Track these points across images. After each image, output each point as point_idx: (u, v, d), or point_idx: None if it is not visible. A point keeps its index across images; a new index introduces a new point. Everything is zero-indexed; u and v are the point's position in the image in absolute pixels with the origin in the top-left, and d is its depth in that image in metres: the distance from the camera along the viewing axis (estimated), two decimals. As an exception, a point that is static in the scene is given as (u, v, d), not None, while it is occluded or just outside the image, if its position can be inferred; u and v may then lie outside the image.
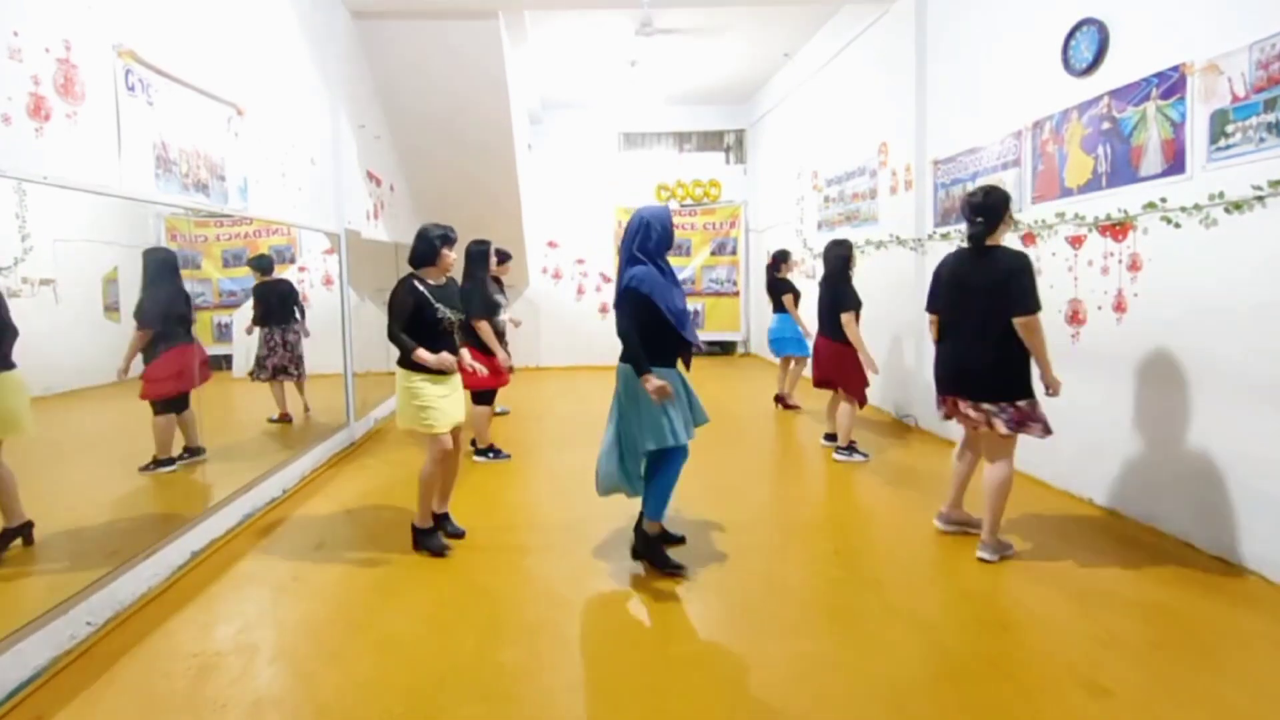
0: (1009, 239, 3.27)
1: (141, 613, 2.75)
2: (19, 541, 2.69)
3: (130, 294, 3.59)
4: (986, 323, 3.00)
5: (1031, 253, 4.24)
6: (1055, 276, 4.04)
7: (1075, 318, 3.89)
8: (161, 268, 3.65)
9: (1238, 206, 2.94)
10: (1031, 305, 2.92)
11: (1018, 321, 2.92)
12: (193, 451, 3.79)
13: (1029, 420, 3.01)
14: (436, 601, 2.81)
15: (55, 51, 2.55)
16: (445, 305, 3.20)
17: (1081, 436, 3.84)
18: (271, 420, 5.34)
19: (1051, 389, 3.06)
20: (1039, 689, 2.15)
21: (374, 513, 3.88)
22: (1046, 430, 3.03)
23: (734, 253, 10.47)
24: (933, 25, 5.36)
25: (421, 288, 3.18)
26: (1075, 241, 3.88)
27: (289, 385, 5.42)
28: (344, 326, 5.47)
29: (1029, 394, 3.02)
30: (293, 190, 4.60)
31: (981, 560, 3.04)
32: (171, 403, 3.73)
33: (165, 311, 3.66)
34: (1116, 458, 3.60)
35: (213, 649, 2.47)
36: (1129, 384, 3.52)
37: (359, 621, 2.66)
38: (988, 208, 3.00)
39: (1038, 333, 2.96)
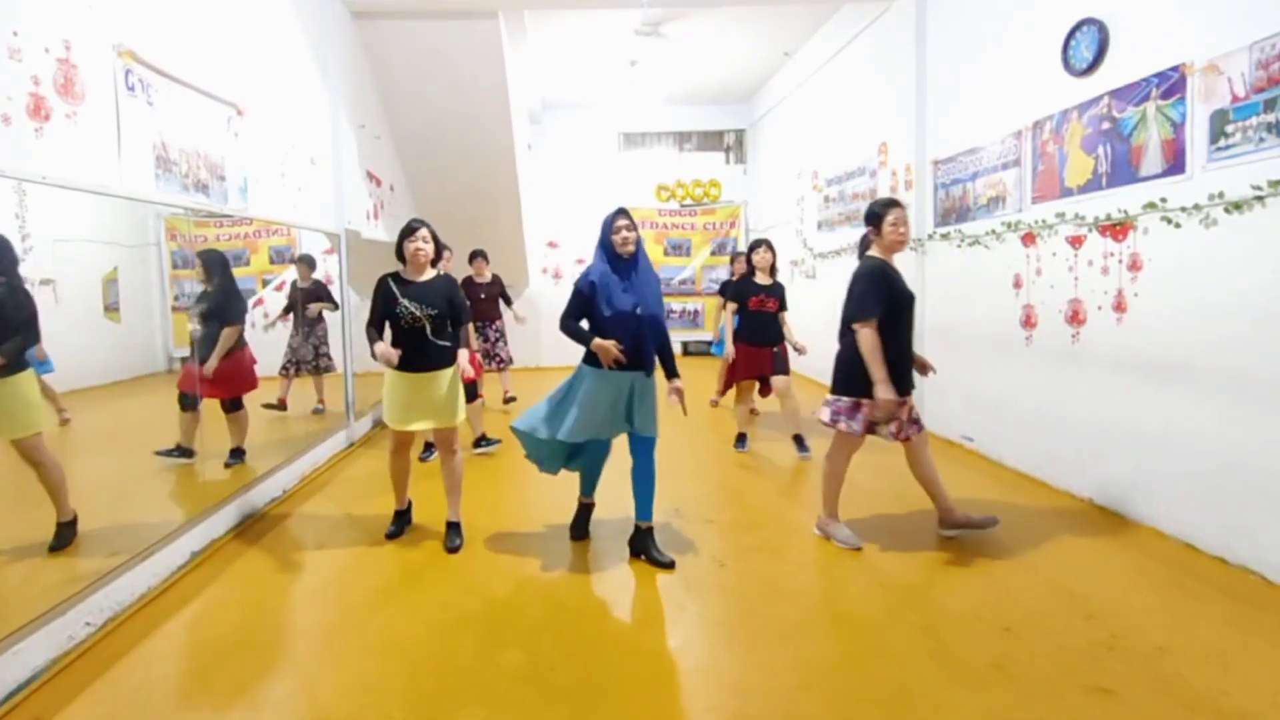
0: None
1: (141, 613, 2.74)
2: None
3: (130, 294, 3.59)
4: (911, 325, 3.25)
5: (1032, 253, 4.25)
6: (1055, 276, 4.04)
7: (1075, 318, 3.89)
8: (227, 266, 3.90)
9: (1238, 206, 2.94)
10: None
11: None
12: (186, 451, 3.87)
13: None
14: (437, 604, 2.80)
15: (55, 51, 2.55)
16: (416, 301, 3.19)
17: (1081, 436, 3.84)
18: (267, 406, 5.42)
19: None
20: (1041, 691, 2.15)
21: (374, 513, 3.87)
22: None
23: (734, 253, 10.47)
24: (933, 25, 5.36)
25: (392, 282, 3.23)
26: (1075, 241, 3.88)
27: (299, 378, 5.63)
28: (344, 326, 5.46)
29: None
30: (293, 190, 4.60)
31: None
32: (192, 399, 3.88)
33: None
34: (1116, 458, 3.60)
35: (212, 650, 2.47)
36: (1129, 384, 3.52)
37: (359, 623, 2.65)
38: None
39: None
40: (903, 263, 5.64)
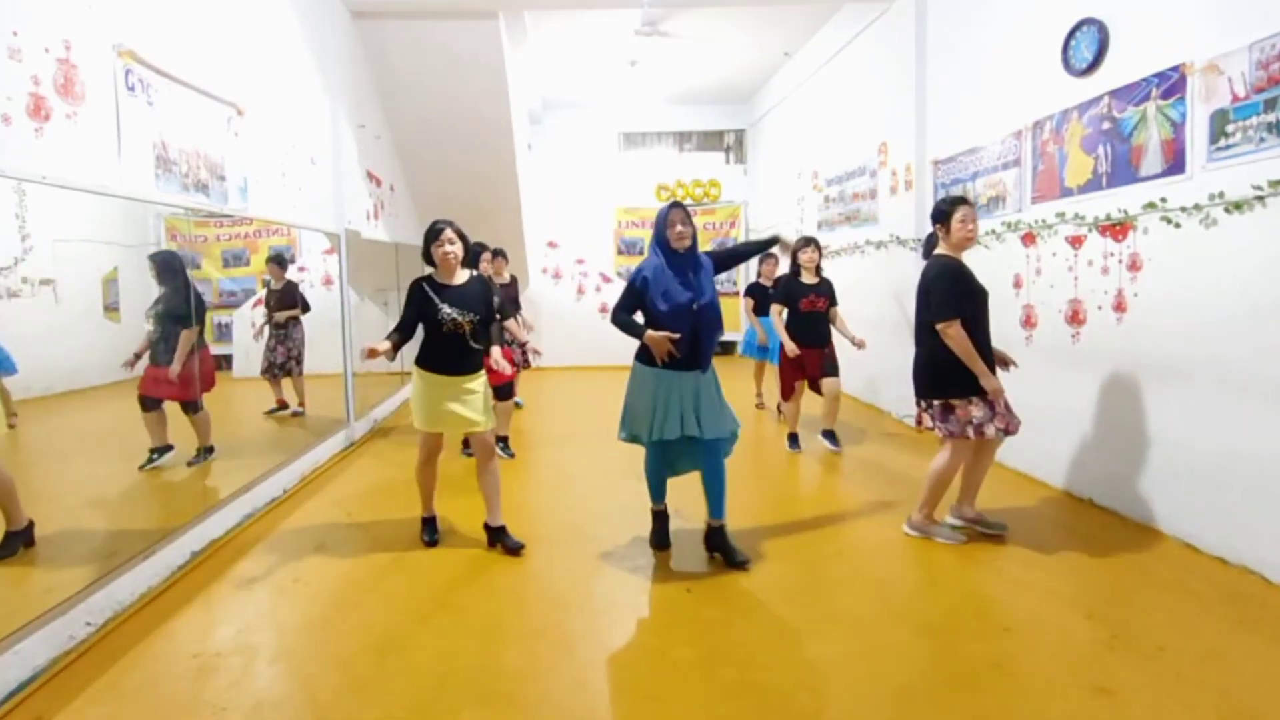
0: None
1: (141, 613, 2.74)
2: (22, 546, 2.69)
3: (130, 294, 3.59)
4: (988, 319, 3.27)
5: (1031, 253, 4.25)
6: (1055, 276, 4.04)
7: (1075, 318, 3.89)
8: (182, 268, 3.73)
9: (1238, 206, 2.94)
10: None
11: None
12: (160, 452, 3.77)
13: None
14: (437, 603, 2.80)
15: (55, 51, 2.55)
16: (457, 306, 3.07)
17: (1082, 436, 3.84)
18: (270, 412, 5.40)
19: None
20: (1042, 690, 2.15)
21: (374, 513, 3.87)
22: None
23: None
24: (933, 25, 5.36)
25: (428, 287, 3.11)
26: (1075, 241, 3.88)
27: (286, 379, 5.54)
28: (344, 326, 5.46)
29: None
30: (293, 190, 4.60)
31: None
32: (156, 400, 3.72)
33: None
34: (1117, 458, 3.60)
35: (213, 650, 2.47)
36: (1129, 384, 3.52)
37: (360, 623, 2.65)
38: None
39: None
40: (904, 262, 5.69)
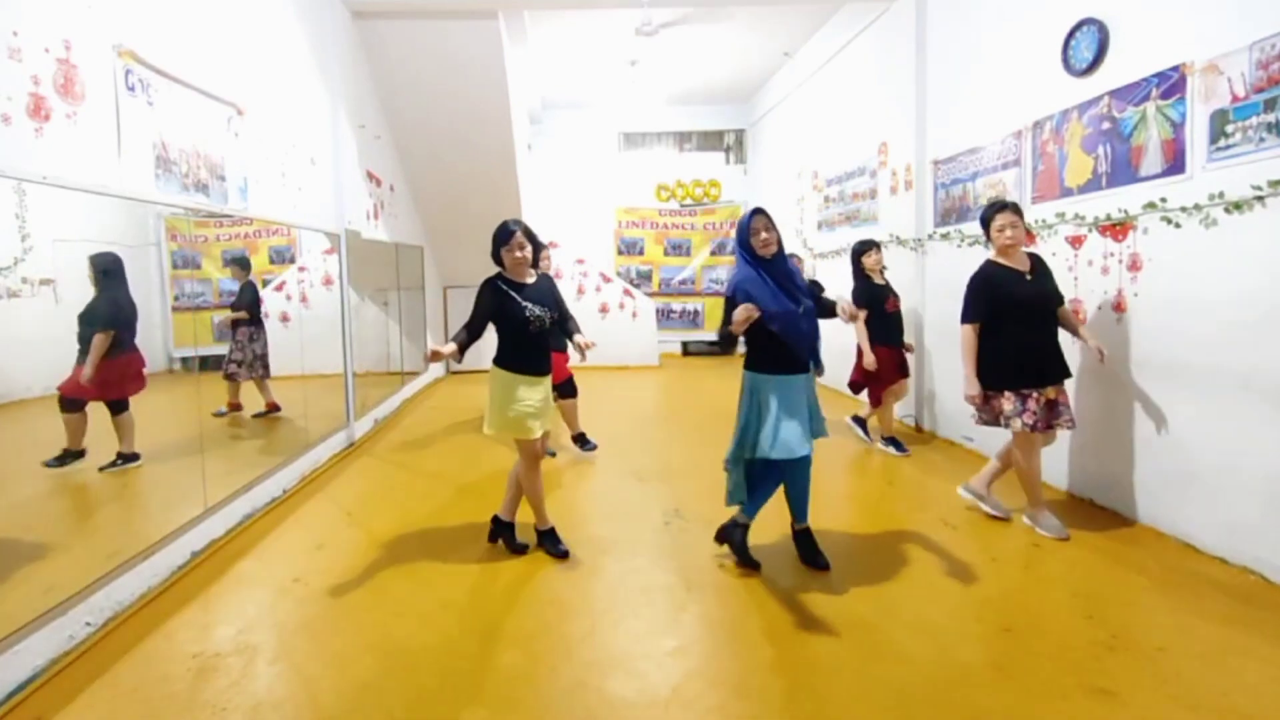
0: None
1: (141, 613, 2.75)
2: None
3: (131, 294, 3.57)
4: (1054, 318, 3.40)
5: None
6: (1055, 276, 4.03)
7: (1075, 317, 3.88)
8: (122, 274, 3.56)
9: (1238, 206, 2.94)
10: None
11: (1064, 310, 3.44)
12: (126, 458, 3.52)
13: None
14: (437, 604, 2.80)
15: (55, 51, 2.55)
16: (537, 304, 3.04)
17: (1081, 437, 3.84)
18: (218, 414, 5.21)
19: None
20: (1043, 692, 2.15)
21: (374, 513, 3.87)
22: None
23: (734, 253, 10.48)
24: (933, 25, 5.36)
25: (504, 285, 3.06)
26: (1075, 241, 3.88)
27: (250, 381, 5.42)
28: (344, 326, 5.47)
29: None
30: (293, 190, 4.60)
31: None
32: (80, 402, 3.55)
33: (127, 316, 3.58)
34: (1116, 459, 3.60)
35: (212, 650, 2.47)
36: (1128, 384, 3.52)
37: (359, 623, 2.65)
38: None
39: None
40: (904, 263, 5.69)
